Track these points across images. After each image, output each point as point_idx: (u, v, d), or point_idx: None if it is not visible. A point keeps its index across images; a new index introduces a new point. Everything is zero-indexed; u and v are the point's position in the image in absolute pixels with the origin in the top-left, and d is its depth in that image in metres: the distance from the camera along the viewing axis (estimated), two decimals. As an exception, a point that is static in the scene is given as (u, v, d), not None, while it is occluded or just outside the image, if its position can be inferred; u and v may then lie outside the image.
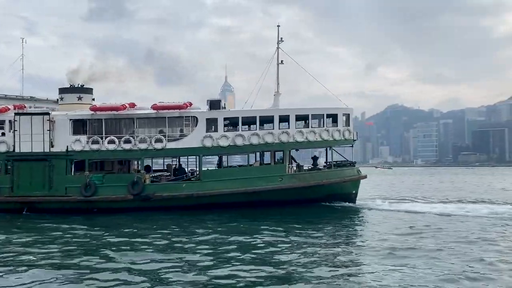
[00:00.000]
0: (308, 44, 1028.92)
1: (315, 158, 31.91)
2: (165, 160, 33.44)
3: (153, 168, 31.71)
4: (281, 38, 31.75)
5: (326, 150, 32.64)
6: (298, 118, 30.03)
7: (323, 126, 29.97)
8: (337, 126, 30.34)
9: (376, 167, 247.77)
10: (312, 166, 31.81)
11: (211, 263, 13.59)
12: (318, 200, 28.93)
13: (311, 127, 29.76)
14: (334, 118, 30.65)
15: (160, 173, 30.66)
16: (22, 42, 37.32)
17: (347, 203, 30.03)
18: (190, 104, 29.39)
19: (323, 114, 30.21)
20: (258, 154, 31.51)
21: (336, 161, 32.03)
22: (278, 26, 32.07)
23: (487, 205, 29.30)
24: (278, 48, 31.62)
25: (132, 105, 29.97)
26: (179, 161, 32.33)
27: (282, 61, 31.67)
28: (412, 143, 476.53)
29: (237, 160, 59.81)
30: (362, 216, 25.96)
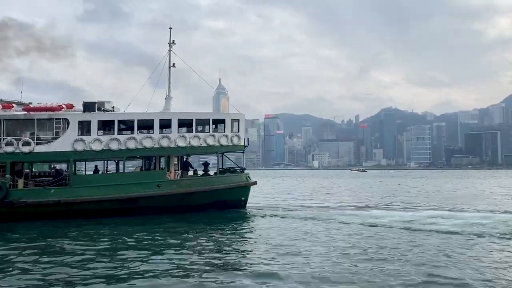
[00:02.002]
0: (301, 47, 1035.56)
1: (206, 164, 31.27)
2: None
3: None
4: (173, 40, 31.21)
5: (223, 156, 32.27)
6: (182, 123, 29.42)
7: (209, 132, 29.44)
8: (224, 131, 29.80)
9: (351, 170, 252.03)
10: (203, 172, 31.26)
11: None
12: (206, 207, 28.27)
13: (197, 132, 29.22)
14: (221, 123, 30.12)
15: (45, 179, 29.87)
16: None
17: (237, 209, 29.58)
18: (71, 106, 28.71)
19: (209, 119, 29.63)
20: (161, 159, 30.88)
21: (226, 168, 31.61)
22: (170, 28, 31.53)
23: (412, 213, 27.41)
24: (170, 50, 31.03)
25: (70, 106, 28.78)
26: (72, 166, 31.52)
27: (174, 64, 31.13)
28: (405, 146, 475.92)
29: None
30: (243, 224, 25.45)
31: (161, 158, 29.39)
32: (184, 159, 32.04)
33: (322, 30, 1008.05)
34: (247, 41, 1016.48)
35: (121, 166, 28.89)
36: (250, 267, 13.74)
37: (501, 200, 39.89)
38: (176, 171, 29.56)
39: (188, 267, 13.81)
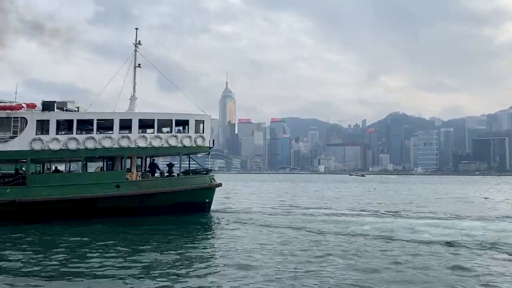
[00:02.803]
0: (307, 51, 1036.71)
1: (170, 165, 30.90)
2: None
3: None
4: (139, 41, 30.99)
5: (189, 158, 31.97)
6: (143, 123, 29.11)
7: (171, 132, 29.10)
8: (187, 132, 29.46)
9: (350, 175, 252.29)
10: (168, 174, 30.90)
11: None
12: (168, 209, 27.88)
13: (159, 133, 28.89)
14: (185, 124, 29.78)
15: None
16: None
17: (200, 212, 29.20)
18: (33, 105, 28.51)
19: (172, 120, 29.28)
20: (134, 160, 30.54)
21: (191, 169, 31.26)
22: (137, 29, 31.35)
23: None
24: (135, 51, 30.80)
25: (32, 106, 28.52)
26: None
27: (139, 64, 30.86)
28: (412, 151, 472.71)
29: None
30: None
31: (125, 159, 29.08)
32: (151, 161, 31.76)
33: (329, 34, 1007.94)
34: (254, 44, 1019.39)
35: (74, 166, 28.58)
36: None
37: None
38: (138, 172, 29.21)
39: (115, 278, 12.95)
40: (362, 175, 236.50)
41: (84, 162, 29.61)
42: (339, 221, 25.01)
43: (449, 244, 17.85)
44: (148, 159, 32.31)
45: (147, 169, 31.27)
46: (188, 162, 32.02)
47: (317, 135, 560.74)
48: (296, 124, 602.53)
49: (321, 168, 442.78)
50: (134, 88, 30.58)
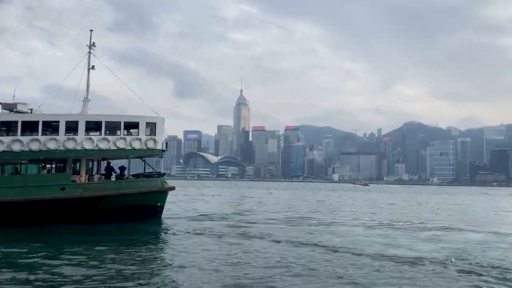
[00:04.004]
0: (323, 59, 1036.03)
1: (122, 168, 30.32)
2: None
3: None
4: (93, 43, 30.74)
5: (145, 161, 31.39)
6: (90, 125, 28.65)
7: (120, 135, 28.58)
8: (138, 135, 28.91)
9: (354, 184, 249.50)
10: (120, 177, 30.33)
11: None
12: (117, 213, 27.30)
13: (108, 135, 28.39)
14: (135, 127, 29.25)
15: None
16: None
17: (152, 217, 28.59)
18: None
19: (120, 122, 28.76)
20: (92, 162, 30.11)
21: (143, 172, 30.65)
22: (91, 30, 31.16)
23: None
24: (89, 52, 30.55)
25: None
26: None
27: (93, 66, 30.59)
28: (428, 161, 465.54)
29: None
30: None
31: (70, 161, 28.60)
32: (108, 163, 31.29)
33: (344, 42, 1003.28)
34: (269, 52, 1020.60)
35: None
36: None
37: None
38: (85, 175, 28.71)
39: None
40: (366, 184, 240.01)
41: (42, 164, 29.28)
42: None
43: None
44: (104, 162, 31.84)
45: (102, 172, 30.81)
46: (145, 166, 31.41)
47: (332, 144, 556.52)
48: (311, 132, 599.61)
49: (335, 177, 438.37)
50: (87, 90, 30.29)
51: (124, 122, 28.76)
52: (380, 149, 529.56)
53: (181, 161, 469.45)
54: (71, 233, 22.94)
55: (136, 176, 29.69)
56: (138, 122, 28.99)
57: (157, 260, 16.54)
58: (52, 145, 27.01)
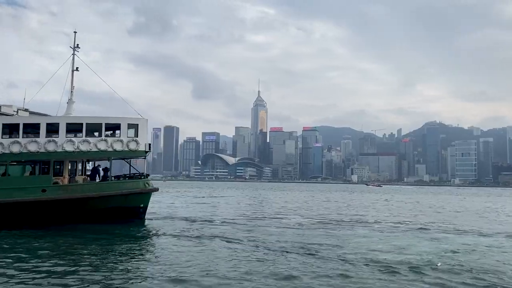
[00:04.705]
0: (341, 60, 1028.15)
1: (105, 170, 30.19)
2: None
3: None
4: (78, 44, 30.74)
5: (130, 162, 31.29)
6: (71, 127, 28.60)
7: (101, 136, 28.47)
8: (119, 136, 28.75)
9: (367, 185, 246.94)
10: (103, 178, 30.22)
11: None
12: (99, 214, 27.22)
13: (87, 136, 28.31)
14: (116, 128, 29.09)
15: None
16: None
17: (134, 218, 28.37)
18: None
19: (101, 124, 28.65)
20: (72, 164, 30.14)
21: (127, 174, 30.49)
22: (75, 32, 31.10)
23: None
24: (73, 54, 30.53)
25: None
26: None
27: (77, 68, 30.57)
28: (449, 161, 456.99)
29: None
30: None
31: (60, 163, 28.66)
32: (94, 165, 31.26)
33: (362, 43, 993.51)
34: (288, 54, 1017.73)
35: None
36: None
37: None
38: (67, 177, 28.69)
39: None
40: (379, 185, 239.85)
41: (32, 165, 29.29)
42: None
43: None
44: (89, 164, 31.85)
45: (88, 174, 30.81)
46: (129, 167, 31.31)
47: (350, 144, 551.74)
48: (329, 133, 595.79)
49: (354, 177, 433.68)
50: (71, 91, 30.30)
51: (106, 124, 28.61)
52: (400, 149, 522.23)
53: (199, 162, 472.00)
54: (50, 232, 22.95)
55: (118, 177, 29.53)
56: (120, 124, 28.81)
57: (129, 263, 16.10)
58: (32, 147, 27.06)
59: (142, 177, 30.20)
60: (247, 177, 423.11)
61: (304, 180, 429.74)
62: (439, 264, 15.33)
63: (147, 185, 29.34)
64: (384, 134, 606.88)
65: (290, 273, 13.86)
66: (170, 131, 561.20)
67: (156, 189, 30.03)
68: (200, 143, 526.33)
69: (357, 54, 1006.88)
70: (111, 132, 30.18)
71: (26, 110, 32.64)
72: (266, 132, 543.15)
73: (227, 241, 20.39)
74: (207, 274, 13.78)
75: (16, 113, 30.09)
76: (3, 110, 29.18)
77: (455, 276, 13.73)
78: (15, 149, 26.88)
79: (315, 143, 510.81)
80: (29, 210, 25.92)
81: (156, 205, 39.16)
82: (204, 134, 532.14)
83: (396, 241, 21.42)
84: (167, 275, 13.65)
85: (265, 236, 22.15)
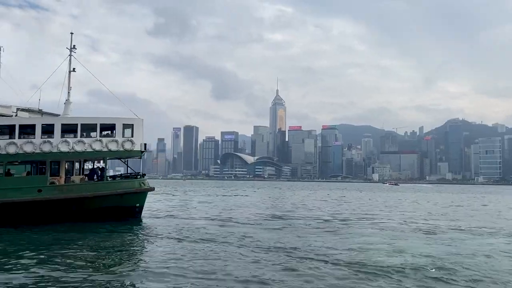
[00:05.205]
0: (361, 57, 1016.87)
1: (102, 170, 30.33)
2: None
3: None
4: (74, 45, 30.92)
5: (127, 162, 31.37)
6: (66, 128, 28.76)
7: (96, 137, 28.58)
8: (114, 136, 28.81)
9: (384, 183, 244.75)
10: (100, 178, 30.31)
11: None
12: (95, 213, 27.35)
13: (83, 137, 28.45)
14: (111, 129, 29.15)
15: None
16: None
17: (130, 217, 28.41)
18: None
19: (96, 124, 28.74)
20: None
21: (124, 174, 30.58)
22: (72, 33, 31.32)
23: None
24: (70, 55, 30.75)
25: None
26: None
27: (74, 68, 30.76)
28: (473, 159, 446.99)
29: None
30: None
31: (57, 163, 28.86)
32: (93, 165, 31.46)
33: (383, 39, 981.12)
34: (306, 52, 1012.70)
35: None
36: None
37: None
38: (63, 177, 28.87)
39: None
40: (396, 184, 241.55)
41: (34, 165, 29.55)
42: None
43: None
44: (87, 164, 32.04)
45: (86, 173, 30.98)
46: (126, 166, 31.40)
47: (371, 143, 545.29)
48: (349, 131, 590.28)
49: (375, 176, 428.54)
50: (68, 92, 30.53)
51: (100, 124, 28.73)
52: (422, 147, 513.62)
53: (218, 161, 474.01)
54: (45, 231, 22.98)
55: (114, 177, 29.61)
56: (115, 124, 28.89)
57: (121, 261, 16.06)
58: (28, 148, 27.34)
59: (138, 176, 30.28)
60: (266, 176, 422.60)
61: (323, 179, 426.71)
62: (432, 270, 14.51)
63: (142, 184, 29.36)
64: (406, 132, 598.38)
65: (262, 272, 13.50)
66: (190, 131, 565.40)
67: (152, 189, 30.05)
68: (219, 143, 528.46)
69: (378, 51, 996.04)
70: (110, 132, 30.29)
71: (40, 110, 32.90)
72: (285, 131, 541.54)
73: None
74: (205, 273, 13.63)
75: (15, 114, 30.38)
76: (1, 111, 29.47)
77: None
78: (11, 150, 27.17)
79: (335, 142, 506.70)
80: (25, 210, 26.18)
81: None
82: (223, 133, 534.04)
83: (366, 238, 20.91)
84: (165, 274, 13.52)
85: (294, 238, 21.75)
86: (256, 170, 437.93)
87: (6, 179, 27.90)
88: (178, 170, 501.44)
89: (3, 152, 27.18)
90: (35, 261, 15.42)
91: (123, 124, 29.09)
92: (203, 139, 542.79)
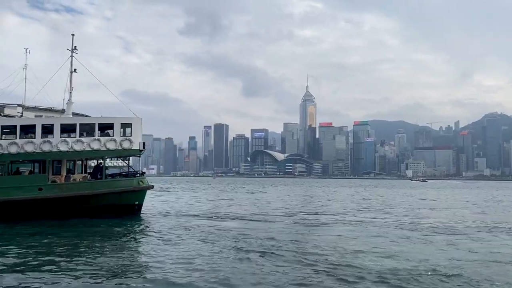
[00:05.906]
0: (393, 52, 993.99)
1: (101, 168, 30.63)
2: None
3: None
4: (75, 46, 31.25)
5: (129, 160, 31.62)
6: (65, 128, 29.16)
7: (95, 136, 28.85)
8: (112, 136, 29.04)
9: (411, 180, 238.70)
10: (100, 177, 30.64)
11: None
12: (95, 211, 27.71)
13: (82, 137, 28.79)
14: (110, 128, 29.36)
15: None
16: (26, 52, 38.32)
17: (130, 215, 28.64)
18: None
19: (95, 124, 29.03)
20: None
21: (122, 172, 30.78)
22: (73, 35, 31.61)
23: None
24: (72, 56, 31.10)
25: None
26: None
27: (75, 69, 31.13)
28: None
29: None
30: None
31: (59, 162, 29.37)
32: (98, 164, 31.88)
33: (415, 34, 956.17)
34: (337, 47, 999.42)
35: None
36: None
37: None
38: (64, 175, 29.33)
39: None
40: (424, 180, 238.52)
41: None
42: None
43: None
44: (89, 162, 32.49)
45: (89, 172, 31.42)
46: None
47: (405, 138, 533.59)
48: (382, 127, 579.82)
49: (409, 173, 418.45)
50: (70, 92, 30.83)
51: (99, 124, 28.98)
52: (458, 143, 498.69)
53: (248, 159, 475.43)
54: (46, 228, 23.21)
55: (113, 176, 29.87)
56: (113, 124, 29.08)
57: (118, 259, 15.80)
58: (29, 148, 27.90)
59: (137, 175, 30.44)
60: (296, 173, 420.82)
61: (355, 176, 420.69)
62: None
63: (141, 183, 29.46)
64: (441, 127, 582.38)
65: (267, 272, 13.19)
66: (220, 129, 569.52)
67: (151, 187, 30.10)
68: (249, 140, 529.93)
69: (410, 46, 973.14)
70: (111, 131, 30.56)
71: (63, 110, 33.62)
72: (315, 128, 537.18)
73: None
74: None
75: (21, 114, 31.14)
76: (7, 111, 30.26)
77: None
78: (13, 149, 27.80)
79: (367, 138, 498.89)
80: (26, 208, 26.74)
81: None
82: (253, 131, 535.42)
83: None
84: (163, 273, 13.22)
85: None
86: (286, 167, 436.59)
87: (8, 178, 28.66)
88: (209, 168, 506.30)
89: (5, 152, 27.87)
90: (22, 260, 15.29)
91: (121, 123, 29.25)
92: (233, 137, 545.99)
